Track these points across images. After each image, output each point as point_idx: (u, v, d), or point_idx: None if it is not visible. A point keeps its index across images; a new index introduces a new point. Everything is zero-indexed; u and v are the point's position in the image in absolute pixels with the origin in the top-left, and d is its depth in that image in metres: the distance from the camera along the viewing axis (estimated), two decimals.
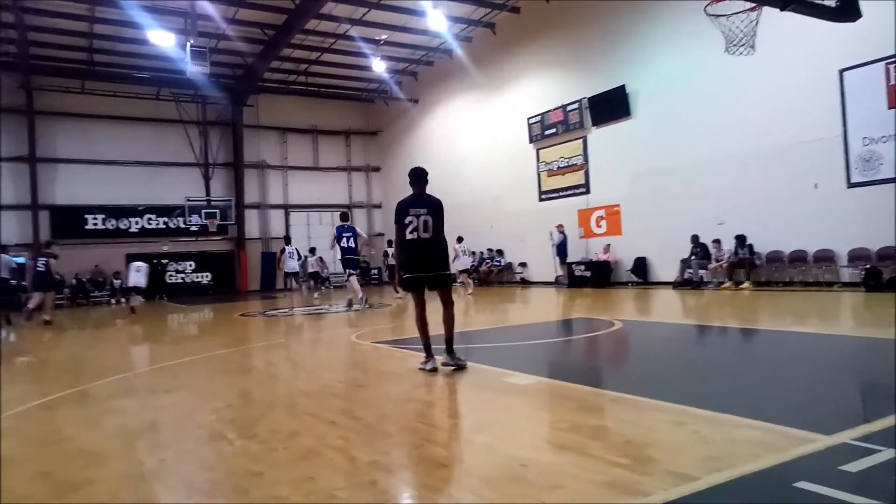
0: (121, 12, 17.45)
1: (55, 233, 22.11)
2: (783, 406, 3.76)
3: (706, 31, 12.49)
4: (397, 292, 14.51)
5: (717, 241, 13.79)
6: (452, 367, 5.40)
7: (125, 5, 16.87)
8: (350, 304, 12.89)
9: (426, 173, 5.86)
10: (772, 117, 12.79)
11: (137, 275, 17.08)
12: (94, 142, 22.93)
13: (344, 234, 12.56)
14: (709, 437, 3.17)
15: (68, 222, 22.48)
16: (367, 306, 12.93)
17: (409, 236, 5.57)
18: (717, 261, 13.71)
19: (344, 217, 13.55)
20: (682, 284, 14.34)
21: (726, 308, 10.37)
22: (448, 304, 5.64)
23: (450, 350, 5.48)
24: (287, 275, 18.78)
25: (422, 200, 5.68)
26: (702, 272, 14.04)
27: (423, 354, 5.56)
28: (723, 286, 13.28)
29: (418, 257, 5.58)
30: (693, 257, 14.25)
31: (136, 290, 17.74)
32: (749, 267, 13.10)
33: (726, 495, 2.45)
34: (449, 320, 5.57)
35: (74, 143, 22.67)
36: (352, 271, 12.94)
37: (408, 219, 5.56)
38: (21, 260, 20.14)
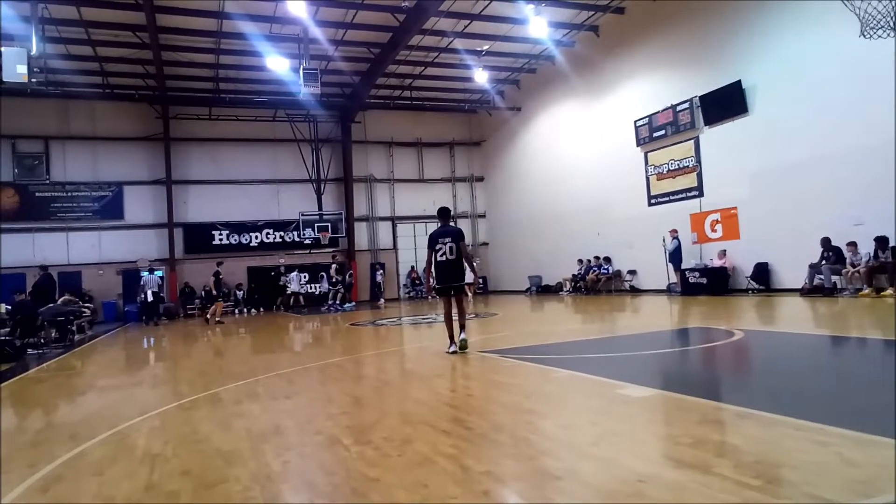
0: (243, 43, 18.92)
1: (187, 248, 24.24)
2: None
3: (834, 15, 11.62)
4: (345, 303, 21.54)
5: (852, 244, 12.59)
6: (464, 347, 7.57)
7: (247, 36, 18.26)
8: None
9: (450, 210, 8.15)
10: None
11: (298, 283, 22.90)
12: (219, 163, 24.94)
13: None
14: (855, 459, 2.87)
15: (198, 238, 24.54)
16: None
17: (439, 258, 7.69)
18: (853, 265, 12.51)
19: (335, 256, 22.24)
20: (811, 291, 13.20)
21: (866, 317, 9.41)
22: (461, 303, 7.85)
23: (463, 330, 7.67)
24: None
25: (447, 231, 7.79)
26: (835, 278, 12.86)
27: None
28: (861, 293, 12.08)
29: (446, 273, 7.70)
30: (824, 262, 13.09)
31: (299, 294, 22.73)
32: (892, 272, 11.83)
33: None
34: (462, 313, 7.78)
35: (203, 166, 24.76)
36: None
37: (438, 246, 7.67)
38: (160, 274, 22.44)
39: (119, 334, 16.43)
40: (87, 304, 16.22)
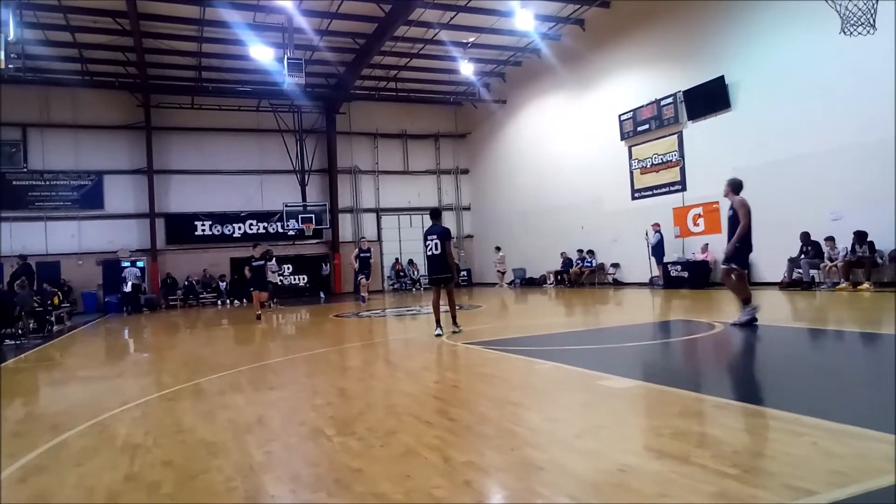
0: (226, 31, 18.68)
1: (169, 239, 23.97)
2: None
3: (816, 12, 11.74)
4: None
5: (830, 239, 12.79)
6: (457, 331, 8.66)
7: (231, 24, 18.01)
8: (363, 300, 17.51)
9: (441, 211, 9.56)
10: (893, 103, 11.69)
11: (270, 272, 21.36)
12: (202, 153, 24.63)
13: (363, 254, 17.67)
14: (830, 449, 2.93)
15: (180, 229, 24.25)
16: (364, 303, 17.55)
17: (427, 253, 8.81)
18: (831, 260, 12.72)
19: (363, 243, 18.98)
20: (790, 285, 13.41)
21: (843, 310, 9.59)
22: (450, 294, 8.92)
23: (454, 321, 8.89)
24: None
25: (434, 230, 8.81)
26: (813, 272, 13.06)
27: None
28: (838, 287, 12.29)
29: (431, 267, 8.90)
30: (803, 256, 13.29)
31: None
32: (869, 266, 12.05)
33: None
34: (452, 304, 8.94)
35: (185, 155, 24.44)
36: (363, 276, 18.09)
37: (427, 242, 8.74)
38: (141, 265, 22.27)
39: (99, 325, 16.23)
40: (41, 287, 15.61)
